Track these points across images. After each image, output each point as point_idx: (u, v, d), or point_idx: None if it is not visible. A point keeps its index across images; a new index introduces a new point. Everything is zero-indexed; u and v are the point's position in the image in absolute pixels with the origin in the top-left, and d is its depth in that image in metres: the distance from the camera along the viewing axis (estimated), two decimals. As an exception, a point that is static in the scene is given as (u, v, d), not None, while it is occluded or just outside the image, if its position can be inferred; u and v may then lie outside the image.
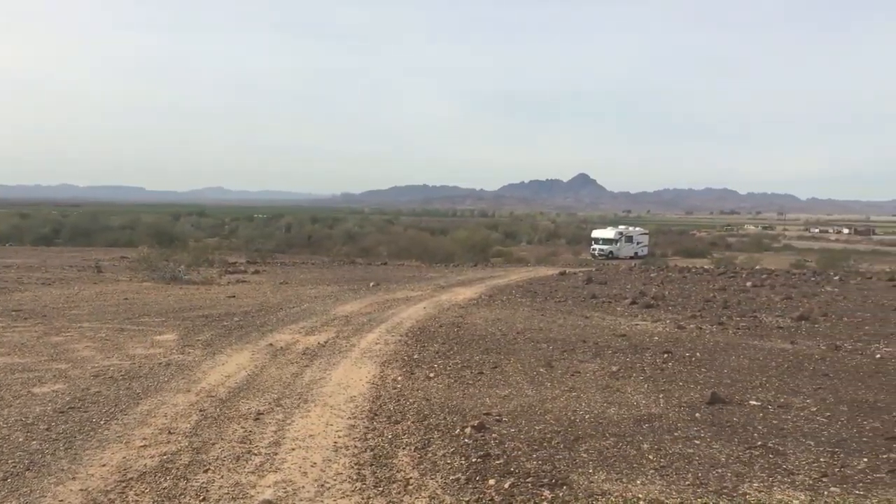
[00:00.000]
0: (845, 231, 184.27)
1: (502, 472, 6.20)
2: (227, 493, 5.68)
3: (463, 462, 6.45)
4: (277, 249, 55.71)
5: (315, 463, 6.39)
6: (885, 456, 6.75)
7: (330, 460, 6.47)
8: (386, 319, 15.54)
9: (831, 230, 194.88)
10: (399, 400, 8.69)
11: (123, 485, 5.82)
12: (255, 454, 6.59)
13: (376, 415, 8.02)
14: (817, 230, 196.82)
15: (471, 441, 7.05)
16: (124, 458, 6.44)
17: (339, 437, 7.18)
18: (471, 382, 9.72)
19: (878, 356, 12.00)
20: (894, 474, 6.25)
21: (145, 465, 6.25)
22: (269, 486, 5.82)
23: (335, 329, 14.01)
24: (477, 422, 7.55)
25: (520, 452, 6.73)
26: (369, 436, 7.23)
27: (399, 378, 9.88)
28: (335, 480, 5.99)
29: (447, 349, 12.14)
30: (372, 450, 6.79)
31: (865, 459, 6.65)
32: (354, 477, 6.07)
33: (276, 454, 6.59)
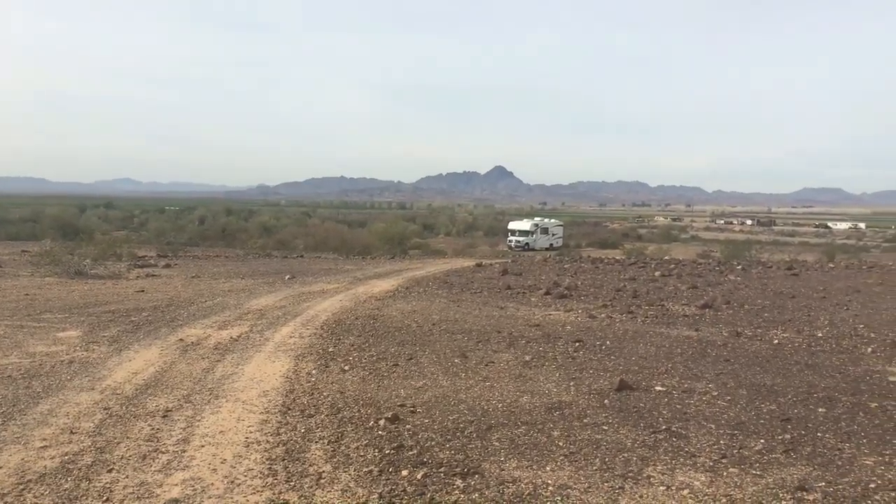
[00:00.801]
0: (748, 222, 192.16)
1: (415, 462, 6.24)
2: (132, 493, 5.53)
3: (376, 454, 6.47)
4: (190, 243, 54.33)
5: (225, 459, 6.29)
6: (780, 437, 7.09)
7: (241, 456, 6.38)
8: (301, 313, 15.38)
9: (735, 221, 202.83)
10: (313, 393, 8.63)
11: (21, 487, 5.60)
12: (163, 452, 6.43)
13: (289, 409, 7.94)
14: (723, 221, 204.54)
15: (385, 433, 7.07)
16: (23, 459, 6.19)
17: (251, 432, 7.08)
18: (386, 374, 9.73)
19: (776, 342, 12.58)
20: (789, 454, 6.57)
21: (45, 467, 6.03)
22: (177, 485, 5.70)
23: (249, 323, 13.79)
24: (391, 413, 7.58)
25: (433, 443, 6.79)
26: (282, 430, 7.16)
27: (313, 371, 9.81)
28: (246, 476, 5.91)
29: (363, 342, 12.11)
30: (284, 444, 6.73)
31: (762, 440, 6.97)
32: (266, 472, 6.00)
33: (184, 452, 6.45)
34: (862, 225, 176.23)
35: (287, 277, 23.38)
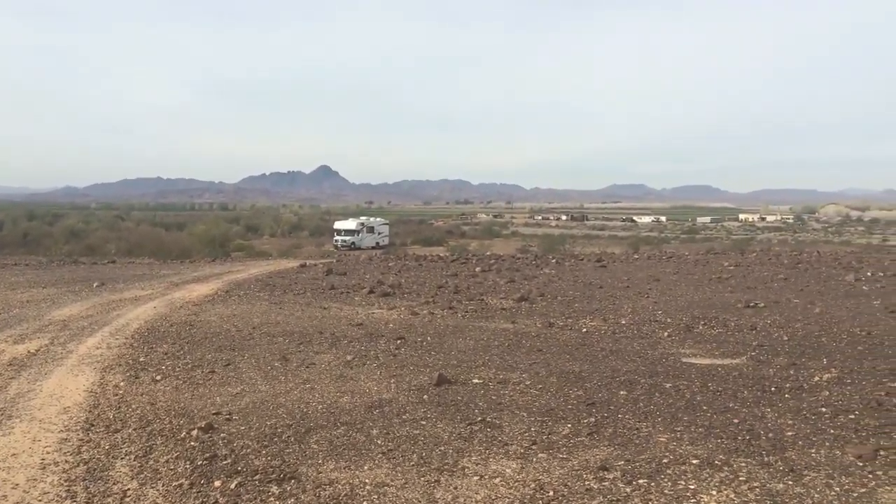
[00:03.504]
0: (563, 217, 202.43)
1: (229, 472, 6.06)
2: None
3: (188, 466, 6.21)
4: (-16, 251, 49.64)
5: (17, 484, 5.80)
6: (585, 420, 7.51)
7: (35, 479, 5.92)
8: (110, 321, 14.48)
9: (552, 217, 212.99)
10: (120, 407, 8.16)
11: None
12: (-57, 482, 5.84)
13: (93, 425, 7.46)
14: (540, 217, 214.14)
15: (197, 443, 6.80)
16: None
17: (48, 452, 6.58)
18: (201, 382, 9.37)
19: (585, 330, 13.35)
20: (593, 436, 6.97)
21: None
22: (-41, 517, 5.20)
23: (49, 335, 12.79)
24: (205, 423, 7.30)
25: (249, 450, 6.61)
26: (84, 448, 6.71)
27: (121, 384, 9.27)
28: (41, 501, 5.49)
29: (177, 349, 11.60)
30: (86, 463, 6.31)
31: (570, 425, 7.35)
32: (64, 494, 5.60)
33: (-32, 480, 5.89)
34: (663, 218, 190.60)
35: (96, 285, 21.90)
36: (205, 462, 6.29)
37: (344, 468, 6.15)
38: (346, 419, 7.62)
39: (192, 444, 6.80)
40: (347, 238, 74.42)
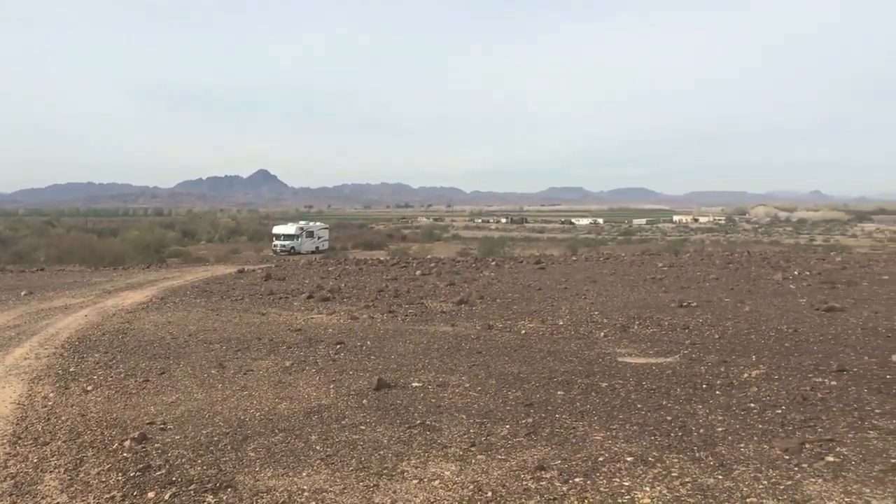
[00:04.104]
0: (503, 220, 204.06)
1: (164, 482, 5.95)
2: None
3: (120, 478, 6.08)
4: None
5: (-61, 502, 5.60)
6: (523, 421, 7.60)
7: (-42, 497, 5.71)
8: (39, 331, 14.04)
9: (492, 220, 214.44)
10: (49, 419, 7.93)
11: None
12: None
13: (20, 438, 7.24)
14: (480, 220, 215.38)
15: (130, 454, 6.66)
16: None
17: (-28, 468, 6.36)
18: (135, 392, 9.17)
19: (523, 332, 13.49)
20: (530, 437, 7.06)
21: None
22: None
23: (-27, 347, 12.35)
24: (138, 433, 7.15)
25: (184, 460, 6.50)
26: (10, 462, 6.51)
27: (51, 395, 9.01)
28: (-36, 518, 5.30)
29: (109, 358, 11.32)
30: (13, 477, 6.12)
31: (508, 426, 7.43)
32: (-11, 511, 5.43)
33: None
34: (600, 220, 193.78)
35: (24, 293, 21.19)
36: (138, 473, 6.16)
37: (282, 475, 6.10)
38: (285, 426, 7.56)
39: (125, 455, 6.65)
40: (287, 243, 73.64)
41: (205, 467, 6.30)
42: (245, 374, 10.14)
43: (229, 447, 6.86)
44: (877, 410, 7.60)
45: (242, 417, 7.91)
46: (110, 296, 20.88)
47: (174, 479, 6.02)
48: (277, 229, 78.72)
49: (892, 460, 6.01)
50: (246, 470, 6.24)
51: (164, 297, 20.35)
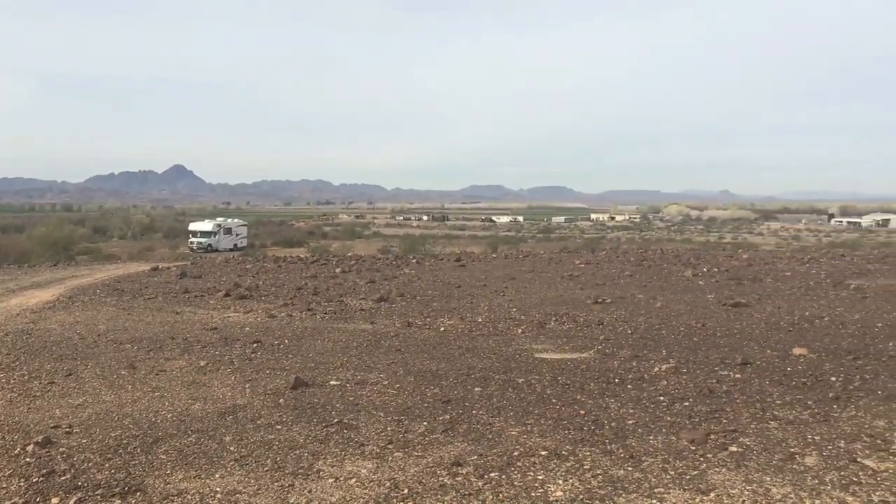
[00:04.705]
0: (424, 218, 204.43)
1: (68, 487, 5.74)
2: None
3: (22, 484, 5.84)
4: None
5: None
6: (441, 418, 7.64)
7: None
8: (-66, 333, 13.35)
9: (413, 217, 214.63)
10: (-55, 425, 7.55)
11: None
12: None
13: (-87, 446, 6.87)
14: (402, 218, 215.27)
15: (33, 459, 6.40)
16: None
17: None
18: (39, 394, 8.83)
19: (442, 329, 13.56)
20: (447, 433, 7.11)
21: None
22: None
23: None
24: (42, 437, 6.88)
25: (91, 464, 6.29)
26: None
27: (-53, 399, 8.58)
28: None
29: (12, 360, 10.87)
30: None
31: (425, 423, 7.46)
32: None
33: None
34: (520, 218, 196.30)
35: (-82, 293, 20.13)
36: (41, 479, 5.93)
37: (194, 477, 5.97)
38: (198, 427, 7.40)
39: (28, 460, 6.39)
40: (203, 240, 72.09)
41: (113, 471, 6.11)
42: (157, 374, 9.88)
43: (139, 450, 6.68)
44: (777, 402, 7.95)
45: (153, 419, 7.71)
46: (14, 295, 20.03)
47: (80, 483, 5.82)
48: (194, 226, 76.97)
49: (791, 449, 6.30)
50: (156, 473, 6.08)
51: (72, 295, 19.63)
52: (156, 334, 13.09)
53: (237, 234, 77.41)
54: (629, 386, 8.84)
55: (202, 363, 10.55)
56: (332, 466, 6.19)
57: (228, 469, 6.16)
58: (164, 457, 6.49)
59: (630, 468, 5.97)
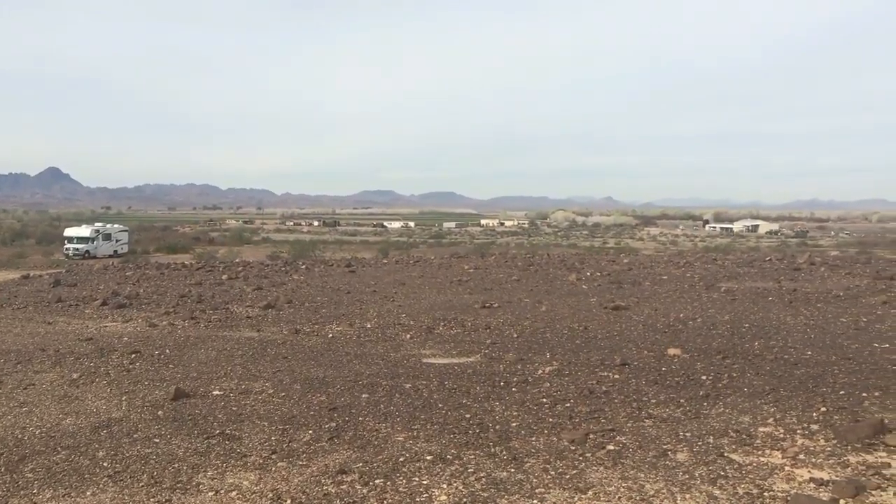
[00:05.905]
0: (315, 223, 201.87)
1: (-78, 513, 5.37)
2: None
3: None
4: None
5: None
6: (327, 425, 7.57)
7: None
8: None
9: (304, 223, 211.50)
10: None
11: None
12: None
13: None
14: (292, 223, 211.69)
15: None
16: None
17: None
18: None
19: (331, 336, 13.45)
20: (333, 441, 7.05)
21: None
22: None
23: None
24: None
25: (-52, 486, 5.90)
26: None
27: None
28: None
29: None
30: None
31: (311, 431, 7.38)
32: None
33: None
34: (412, 223, 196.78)
35: None
36: None
37: (63, 496, 5.70)
38: (69, 443, 7.06)
39: None
40: (81, 246, 68.55)
41: (-27, 493, 5.75)
42: (25, 388, 9.37)
43: (3, 469, 6.31)
44: (653, 401, 8.30)
45: (20, 436, 7.30)
46: None
47: (-65, 508, 5.46)
48: (70, 231, 73.12)
49: (664, 446, 6.59)
50: (22, 493, 5.76)
51: (-70, 306, 18.33)
52: (25, 346, 12.41)
53: (117, 240, 74.06)
54: (514, 389, 9.03)
55: (75, 376, 10.07)
56: (213, 479, 6.04)
57: (101, 486, 5.91)
58: (30, 475, 6.16)
59: (513, 470, 6.09)
